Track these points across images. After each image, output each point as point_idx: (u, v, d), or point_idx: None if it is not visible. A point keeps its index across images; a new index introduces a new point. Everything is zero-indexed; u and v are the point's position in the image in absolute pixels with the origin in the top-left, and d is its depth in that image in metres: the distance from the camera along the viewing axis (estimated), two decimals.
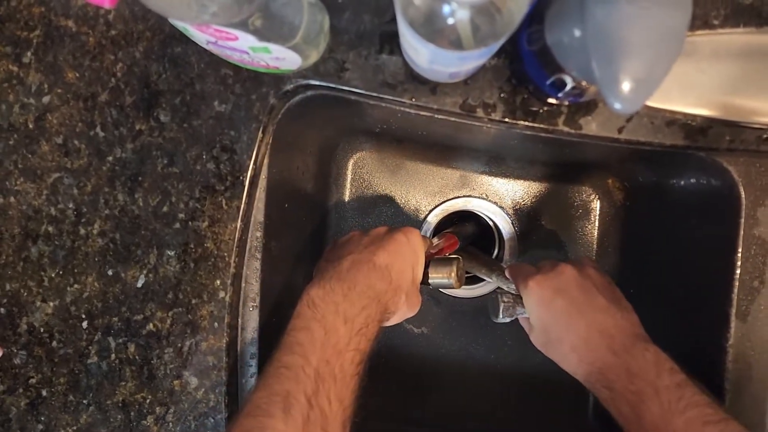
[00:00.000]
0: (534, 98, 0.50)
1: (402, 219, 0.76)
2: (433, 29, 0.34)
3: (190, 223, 0.51)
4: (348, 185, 0.76)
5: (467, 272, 0.70)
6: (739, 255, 0.52)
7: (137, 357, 0.52)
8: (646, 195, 0.70)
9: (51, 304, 0.52)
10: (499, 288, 0.64)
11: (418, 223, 0.76)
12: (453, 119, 0.52)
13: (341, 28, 0.50)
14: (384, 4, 0.50)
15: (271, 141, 0.52)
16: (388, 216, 0.76)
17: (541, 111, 0.51)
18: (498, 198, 0.76)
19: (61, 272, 0.52)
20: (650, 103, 0.50)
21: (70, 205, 0.52)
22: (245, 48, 0.42)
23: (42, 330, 0.52)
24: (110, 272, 0.52)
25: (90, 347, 0.52)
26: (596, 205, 0.76)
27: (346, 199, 0.76)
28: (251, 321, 0.53)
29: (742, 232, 0.52)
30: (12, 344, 0.52)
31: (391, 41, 0.50)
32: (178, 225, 0.52)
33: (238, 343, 0.53)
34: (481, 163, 0.75)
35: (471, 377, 0.77)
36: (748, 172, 0.52)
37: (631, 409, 0.44)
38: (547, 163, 0.75)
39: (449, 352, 0.77)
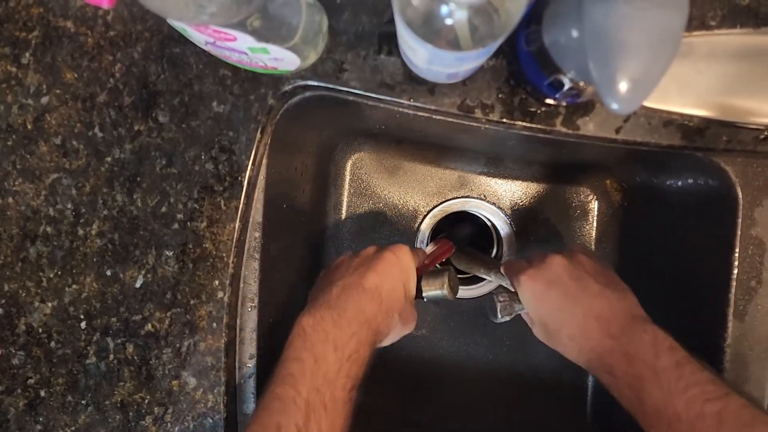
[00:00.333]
0: (532, 99, 0.51)
1: (400, 220, 0.76)
2: (431, 30, 0.35)
3: (188, 223, 0.52)
4: (346, 186, 0.76)
5: (466, 272, 0.71)
6: (737, 255, 0.53)
7: (136, 357, 0.52)
8: (643, 195, 0.70)
9: (49, 304, 0.52)
10: (495, 289, 0.64)
11: (416, 224, 0.76)
12: (451, 120, 0.52)
13: (339, 28, 0.50)
14: (382, 4, 0.50)
15: (269, 142, 0.52)
16: (386, 217, 0.76)
17: (538, 111, 0.51)
18: (496, 199, 0.76)
19: (59, 273, 0.52)
20: (647, 103, 0.50)
21: (69, 206, 0.52)
22: (244, 49, 0.42)
23: (40, 330, 0.52)
24: (109, 273, 0.52)
25: (88, 348, 0.52)
26: (594, 205, 0.76)
27: (345, 199, 0.76)
28: (250, 321, 0.53)
29: (739, 232, 0.52)
30: (10, 345, 0.52)
31: (389, 42, 0.50)
32: (176, 225, 0.52)
33: (237, 343, 0.53)
34: (479, 164, 0.76)
35: (470, 378, 0.77)
36: (745, 172, 0.52)
37: (633, 393, 0.44)
38: (545, 163, 0.75)
39: (448, 352, 0.77)
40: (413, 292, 0.55)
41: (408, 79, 0.51)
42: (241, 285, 0.53)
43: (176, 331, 0.52)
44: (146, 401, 0.52)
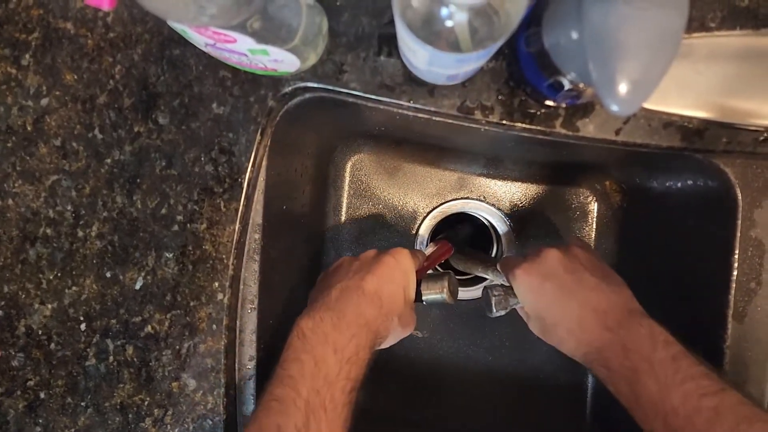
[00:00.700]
0: (531, 100, 0.51)
1: (400, 221, 0.76)
2: (431, 31, 0.35)
3: (188, 225, 0.51)
4: (346, 187, 0.76)
5: (466, 273, 0.71)
6: (736, 256, 0.53)
7: (135, 359, 0.52)
8: (643, 197, 0.70)
9: (49, 306, 0.52)
10: (489, 283, 0.64)
11: (415, 226, 0.76)
12: (451, 121, 0.52)
13: (339, 30, 0.50)
14: (382, 6, 0.50)
15: (269, 143, 0.52)
16: (386, 218, 0.76)
17: (538, 113, 0.51)
18: (496, 200, 0.76)
19: (59, 274, 0.52)
20: (647, 105, 0.50)
21: (69, 208, 0.52)
22: (244, 50, 0.42)
23: (40, 332, 0.52)
24: (108, 274, 0.52)
25: (88, 349, 0.52)
26: (594, 207, 0.76)
27: (344, 201, 0.76)
28: (249, 323, 0.53)
29: (738, 234, 0.52)
30: (10, 346, 0.52)
31: (389, 43, 0.50)
32: (176, 227, 0.52)
33: (236, 345, 0.53)
34: (479, 165, 0.76)
35: (470, 378, 0.77)
36: (744, 173, 0.52)
37: (629, 386, 0.44)
38: (544, 165, 0.75)
39: (448, 353, 0.77)
40: (413, 296, 0.55)
41: (408, 81, 0.51)
42: (241, 287, 0.53)
43: (176, 333, 0.52)
44: (146, 403, 0.52)
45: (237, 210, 0.51)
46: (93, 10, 0.51)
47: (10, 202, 0.52)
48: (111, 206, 0.52)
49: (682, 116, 0.50)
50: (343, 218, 0.76)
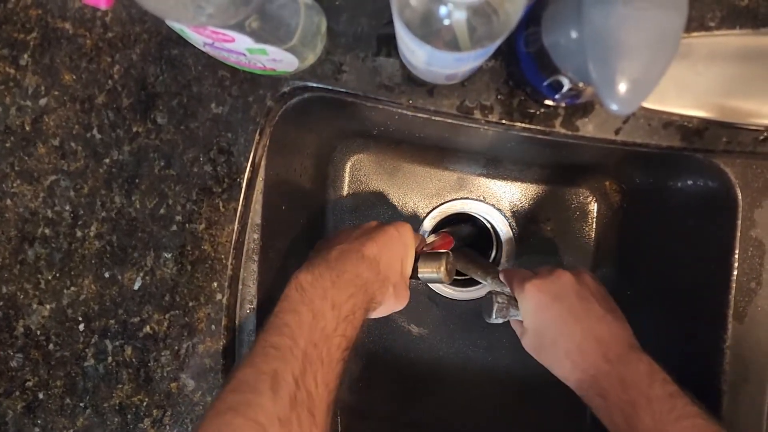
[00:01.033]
0: (531, 100, 0.50)
1: (399, 221, 0.76)
2: (429, 30, 0.35)
3: (187, 225, 0.51)
4: (345, 187, 0.76)
5: (463, 275, 0.70)
6: (736, 256, 0.52)
7: (134, 359, 0.52)
8: (643, 197, 0.70)
9: (47, 306, 0.52)
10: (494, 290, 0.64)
11: (416, 225, 0.76)
12: (450, 121, 0.52)
13: (338, 30, 0.50)
14: (381, 6, 0.50)
15: (268, 143, 0.52)
16: (386, 218, 0.76)
17: (538, 113, 0.51)
18: (495, 200, 0.76)
19: (57, 275, 0.52)
20: (647, 104, 0.50)
21: (67, 208, 0.52)
22: (242, 50, 0.42)
23: (38, 333, 0.52)
24: (107, 275, 0.52)
25: (87, 350, 0.52)
26: (594, 207, 0.76)
27: (344, 201, 0.76)
28: (248, 323, 0.53)
29: (738, 234, 0.52)
30: (8, 347, 0.52)
31: (388, 43, 0.50)
32: (174, 227, 0.51)
33: (236, 345, 0.53)
34: (478, 166, 0.76)
35: (469, 379, 0.77)
36: (744, 173, 0.52)
37: (624, 419, 0.45)
38: (544, 165, 0.75)
39: (447, 354, 0.77)
40: (410, 269, 0.56)
41: (407, 81, 0.51)
42: (240, 287, 0.53)
43: (175, 333, 0.52)
44: (145, 403, 0.52)
45: (236, 210, 0.51)
46: (91, 10, 0.51)
47: (9, 202, 0.52)
48: (109, 206, 0.52)
49: (681, 116, 0.50)
50: (342, 218, 0.76)
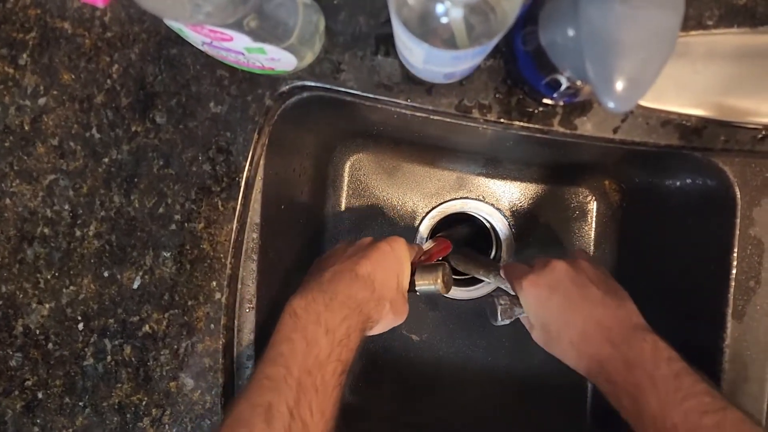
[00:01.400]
0: (529, 99, 0.51)
1: (399, 221, 0.76)
2: (427, 28, 0.35)
3: (186, 224, 0.51)
4: (345, 187, 0.76)
5: (464, 274, 0.70)
6: (735, 255, 0.53)
7: (133, 359, 0.52)
8: (642, 196, 0.70)
9: (47, 306, 0.52)
10: (495, 291, 0.64)
11: (415, 225, 0.76)
12: (449, 120, 0.52)
13: (337, 29, 0.50)
14: (379, 5, 0.50)
15: (267, 142, 0.52)
16: (385, 218, 0.76)
17: (536, 111, 0.51)
18: (495, 200, 0.76)
19: (56, 274, 0.52)
20: (645, 103, 0.50)
21: (66, 207, 0.52)
22: (240, 49, 0.42)
23: (38, 332, 0.52)
24: (106, 274, 0.52)
25: (86, 349, 0.52)
26: (593, 206, 0.76)
27: (343, 201, 0.76)
28: (248, 322, 0.53)
29: (737, 232, 0.52)
30: (8, 346, 0.52)
31: (386, 42, 0.50)
32: (174, 226, 0.52)
33: (235, 344, 0.53)
34: (477, 165, 0.76)
35: (469, 379, 0.77)
36: (743, 172, 0.52)
37: (632, 401, 0.44)
38: (543, 164, 0.75)
39: (447, 354, 0.77)
40: (406, 284, 0.55)
41: (405, 80, 0.51)
42: (239, 286, 0.53)
43: (174, 333, 0.52)
44: (144, 403, 0.52)
45: (235, 209, 0.51)
46: (90, 10, 0.51)
47: (8, 201, 0.52)
48: (108, 206, 0.52)
49: (680, 114, 0.50)
50: (341, 218, 0.76)
